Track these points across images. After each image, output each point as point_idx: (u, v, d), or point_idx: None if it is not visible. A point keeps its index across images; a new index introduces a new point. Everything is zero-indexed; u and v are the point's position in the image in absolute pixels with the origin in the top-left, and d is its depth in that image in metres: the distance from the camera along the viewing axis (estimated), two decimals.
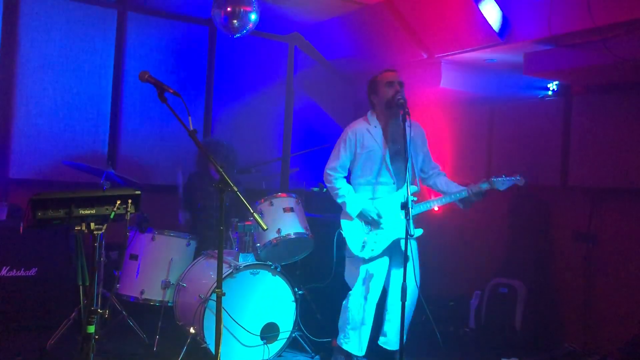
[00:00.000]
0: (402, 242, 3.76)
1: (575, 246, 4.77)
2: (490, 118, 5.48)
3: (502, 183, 3.92)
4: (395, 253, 4.02)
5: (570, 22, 3.85)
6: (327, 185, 4.08)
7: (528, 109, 5.16)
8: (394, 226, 3.93)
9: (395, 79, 3.97)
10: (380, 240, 3.93)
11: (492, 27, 4.23)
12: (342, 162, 4.03)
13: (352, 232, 3.96)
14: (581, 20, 3.75)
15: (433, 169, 4.21)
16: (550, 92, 5.10)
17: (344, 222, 4.00)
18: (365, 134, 4.00)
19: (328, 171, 4.04)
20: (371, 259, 3.93)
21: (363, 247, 3.92)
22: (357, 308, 3.97)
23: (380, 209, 3.95)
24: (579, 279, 4.73)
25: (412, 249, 3.97)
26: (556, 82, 5.00)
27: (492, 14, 4.21)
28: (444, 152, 5.75)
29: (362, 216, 3.94)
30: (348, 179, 4.13)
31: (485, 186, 3.92)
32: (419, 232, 3.83)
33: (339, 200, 3.99)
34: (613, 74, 4.27)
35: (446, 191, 4.05)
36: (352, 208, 3.93)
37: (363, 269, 3.96)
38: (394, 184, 4.00)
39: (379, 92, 4.00)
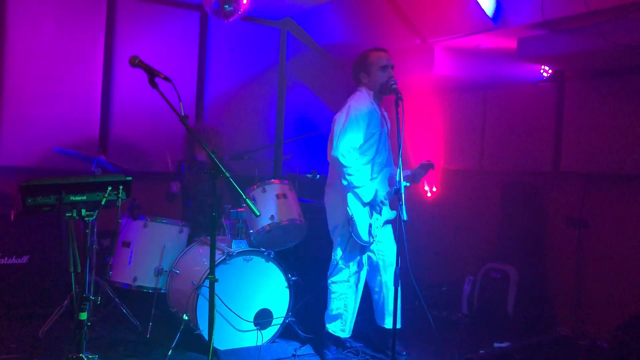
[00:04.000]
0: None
1: (567, 231, 4.79)
2: (483, 103, 5.47)
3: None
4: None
5: (563, 7, 3.84)
6: (343, 161, 3.76)
7: (521, 95, 5.15)
8: (385, 210, 3.98)
9: (389, 63, 3.95)
10: (379, 224, 3.95)
11: (485, 12, 4.21)
12: (362, 141, 3.86)
13: (361, 217, 3.85)
14: (575, 5, 3.74)
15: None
16: (543, 78, 5.09)
17: (355, 207, 3.83)
18: (373, 113, 3.95)
19: (350, 149, 3.78)
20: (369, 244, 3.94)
21: (370, 232, 3.88)
22: (352, 294, 4.01)
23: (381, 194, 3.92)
24: (571, 264, 4.76)
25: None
26: (549, 68, 4.99)
27: None
28: (437, 137, 5.75)
29: (372, 202, 3.86)
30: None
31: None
32: (393, 214, 3.95)
33: (358, 184, 3.78)
34: (606, 59, 4.26)
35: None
36: (368, 194, 3.82)
37: (361, 254, 4.00)
38: (385, 163, 4.05)
39: (371, 73, 3.97)
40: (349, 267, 3.99)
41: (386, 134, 4.06)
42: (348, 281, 4.00)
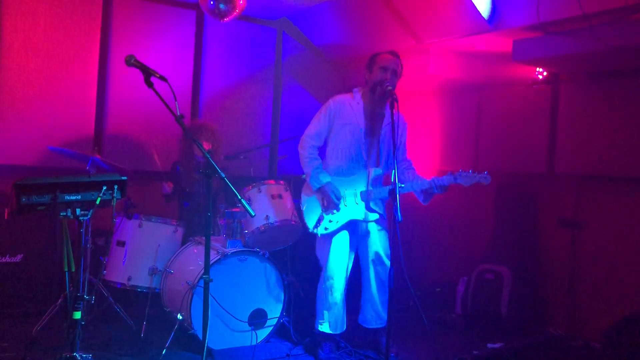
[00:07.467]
0: (361, 224, 4.02)
1: (560, 233, 4.81)
2: (478, 105, 5.49)
3: (467, 179, 3.71)
4: (356, 234, 4.11)
5: (558, 9, 3.85)
6: (300, 150, 4.05)
7: (516, 96, 5.17)
8: (352, 207, 3.99)
9: (390, 66, 3.95)
10: (335, 219, 3.98)
11: (481, 14, 4.22)
12: (320, 130, 4.05)
13: (309, 206, 4.01)
14: (570, 8, 3.75)
15: (402, 162, 4.12)
16: (538, 80, 5.10)
17: (303, 195, 4.06)
18: (345, 106, 4.04)
19: (305, 137, 4.05)
20: (332, 235, 3.98)
21: (317, 224, 3.98)
22: (329, 287, 4.04)
23: (342, 189, 3.99)
24: (564, 265, 4.78)
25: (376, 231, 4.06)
26: (544, 70, 5.01)
27: (481, 1, 4.20)
28: (433, 138, 5.76)
29: (322, 192, 3.95)
30: (324, 150, 4.15)
31: (448, 180, 3.74)
32: (374, 216, 3.98)
33: (305, 169, 4.00)
34: (601, 62, 4.28)
35: (411, 181, 3.97)
36: (315, 180, 3.95)
37: (332, 245, 4.02)
38: (365, 160, 4.03)
39: (372, 71, 4.02)
40: (322, 264, 4.08)
41: (368, 132, 4.04)
42: (322, 277, 4.07)
